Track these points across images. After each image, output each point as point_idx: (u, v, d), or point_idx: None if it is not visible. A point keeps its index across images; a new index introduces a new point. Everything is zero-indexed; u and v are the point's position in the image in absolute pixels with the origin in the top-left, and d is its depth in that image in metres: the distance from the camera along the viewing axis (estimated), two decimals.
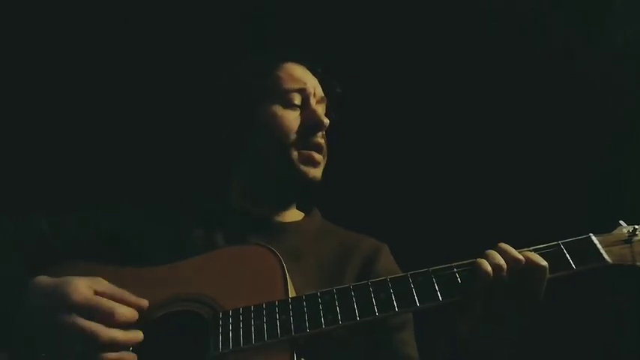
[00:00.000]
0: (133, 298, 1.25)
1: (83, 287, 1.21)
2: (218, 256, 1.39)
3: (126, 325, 1.21)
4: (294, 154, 1.57)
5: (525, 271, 1.20)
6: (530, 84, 2.39)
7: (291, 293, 1.28)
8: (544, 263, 1.20)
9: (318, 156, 1.60)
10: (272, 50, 1.76)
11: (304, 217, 1.70)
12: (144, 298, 1.28)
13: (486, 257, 1.22)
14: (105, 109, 2.44)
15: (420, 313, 1.27)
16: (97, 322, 1.17)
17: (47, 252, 1.45)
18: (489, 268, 1.19)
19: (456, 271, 1.24)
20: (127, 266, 1.39)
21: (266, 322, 1.21)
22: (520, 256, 1.21)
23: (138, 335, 1.22)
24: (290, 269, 1.31)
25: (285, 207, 1.67)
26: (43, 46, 2.40)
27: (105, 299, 1.21)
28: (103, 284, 1.24)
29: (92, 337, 1.16)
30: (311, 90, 1.63)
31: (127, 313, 1.22)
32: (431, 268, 1.25)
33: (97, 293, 1.22)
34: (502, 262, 1.20)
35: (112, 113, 2.43)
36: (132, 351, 1.22)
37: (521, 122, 2.38)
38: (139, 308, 1.25)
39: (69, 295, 1.19)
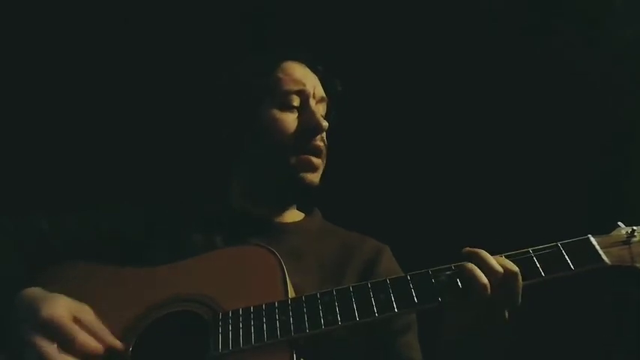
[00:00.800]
0: (107, 337, 1.22)
1: (60, 307, 1.20)
2: (218, 257, 1.39)
3: (87, 357, 1.18)
4: (293, 158, 1.56)
5: (503, 281, 1.18)
6: (530, 84, 2.39)
7: (291, 294, 1.28)
8: (516, 269, 1.18)
9: (316, 160, 1.58)
10: (272, 50, 1.74)
11: (304, 217, 1.70)
12: (144, 298, 1.29)
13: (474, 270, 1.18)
14: (105, 109, 2.44)
15: (421, 314, 1.27)
16: (57, 343, 1.15)
17: (47, 252, 1.45)
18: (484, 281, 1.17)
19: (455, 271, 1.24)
20: (126, 266, 1.39)
21: (265, 323, 1.21)
22: (499, 268, 1.18)
23: None
24: (290, 270, 1.31)
25: (285, 207, 1.66)
26: (43, 46, 2.40)
27: (70, 324, 1.18)
28: (85, 313, 1.22)
29: (43, 358, 1.14)
30: (310, 91, 1.62)
31: (89, 344, 1.19)
32: (430, 269, 1.25)
33: (75, 319, 1.20)
34: (485, 280, 1.17)
35: (112, 113, 2.44)
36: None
37: (521, 122, 2.38)
38: (108, 345, 1.21)
39: (40, 310, 1.18)
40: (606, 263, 1.21)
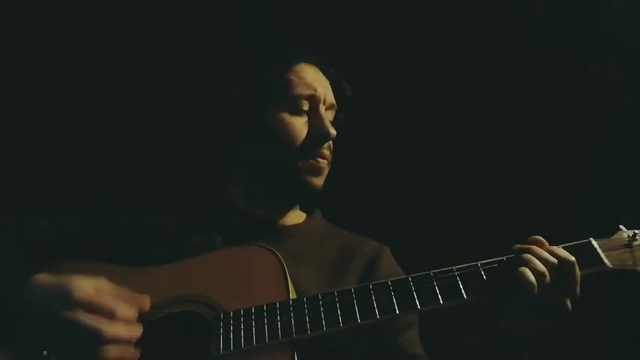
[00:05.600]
0: (135, 298, 1.25)
1: (86, 285, 1.21)
2: (219, 257, 1.39)
3: (127, 323, 1.21)
4: (299, 163, 1.55)
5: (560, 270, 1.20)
6: (531, 84, 2.39)
7: (292, 294, 1.28)
8: (572, 258, 1.21)
9: (322, 161, 1.57)
10: (284, 50, 1.69)
11: (306, 218, 1.69)
12: None
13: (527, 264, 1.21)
14: (107, 110, 2.43)
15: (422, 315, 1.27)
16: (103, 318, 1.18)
17: (48, 251, 1.45)
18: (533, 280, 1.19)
19: (457, 274, 1.24)
20: (127, 267, 1.39)
21: (267, 324, 1.21)
22: (552, 258, 1.21)
23: (139, 331, 1.22)
24: (291, 271, 1.32)
25: (287, 209, 1.65)
26: (49, 46, 2.39)
27: (107, 297, 1.21)
28: (105, 284, 1.24)
29: (96, 333, 1.16)
30: (321, 96, 1.59)
31: (128, 311, 1.22)
32: (432, 271, 1.25)
33: (99, 292, 1.22)
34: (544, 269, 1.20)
35: (114, 113, 2.43)
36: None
37: (522, 123, 2.38)
38: (140, 306, 1.25)
39: (72, 291, 1.19)
40: (608, 266, 1.22)
